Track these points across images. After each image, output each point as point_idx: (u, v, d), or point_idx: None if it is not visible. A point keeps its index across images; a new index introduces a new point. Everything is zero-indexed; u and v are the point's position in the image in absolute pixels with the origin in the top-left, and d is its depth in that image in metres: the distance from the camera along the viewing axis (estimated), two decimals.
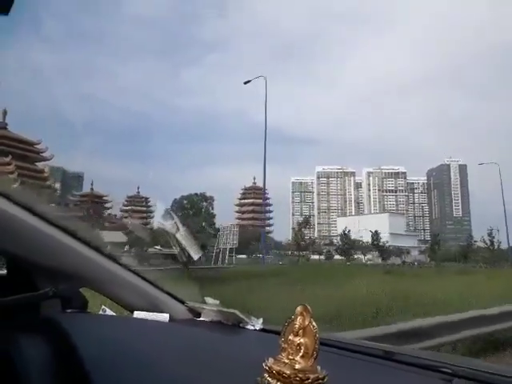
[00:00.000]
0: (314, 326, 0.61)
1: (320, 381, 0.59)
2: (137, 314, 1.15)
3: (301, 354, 0.60)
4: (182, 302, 1.29)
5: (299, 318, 0.63)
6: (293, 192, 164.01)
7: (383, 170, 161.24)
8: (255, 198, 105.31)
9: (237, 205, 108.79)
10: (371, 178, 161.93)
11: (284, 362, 0.61)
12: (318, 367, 0.61)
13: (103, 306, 1.17)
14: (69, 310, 1.01)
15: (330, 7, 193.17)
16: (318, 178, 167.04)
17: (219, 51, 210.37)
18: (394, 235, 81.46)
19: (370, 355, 0.95)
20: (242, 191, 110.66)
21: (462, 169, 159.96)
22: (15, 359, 0.73)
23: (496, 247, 49.29)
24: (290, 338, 0.63)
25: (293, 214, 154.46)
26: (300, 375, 0.58)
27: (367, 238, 65.14)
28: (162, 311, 1.20)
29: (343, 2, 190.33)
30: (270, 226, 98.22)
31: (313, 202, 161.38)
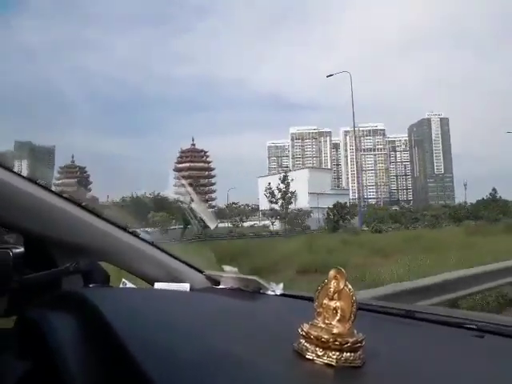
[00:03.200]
0: (349, 289, 0.61)
1: (359, 344, 0.59)
2: (157, 286, 1.18)
3: (337, 318, 0.60)
4: (201, 272, 1.33)
5: (333, 281, 0.63)
6: (269, 157, 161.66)
7: (361, 128, 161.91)
8: (192, 162, 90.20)
9: (174, 170, 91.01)
10: (348, 138, 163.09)
11: (321, 327, 0.61)
12: (355, 331, 0.60)
13: (123, 280, 1.19)
14: (91, 285, 1.06)
15: None
16: (293, 139, 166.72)
17: (211, 18, 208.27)
18: (315, 195, 69.36)
19: (399, 316, 0.97)
20: (179, 154, 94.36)
21: (444, 123, 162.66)
22: (44, 336, 0.74)
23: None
24: (325, 302, 0.62)
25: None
26: (339, 339, 0.58)
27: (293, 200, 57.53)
28: (181, 281, 1.22)
29: None
30: (212, 192, 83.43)
31: (288, 167, 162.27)
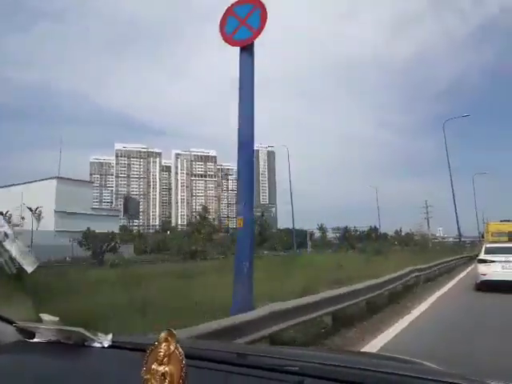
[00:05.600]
0: (179, 352, 0.60)
1: None
2: None
3: None
4: (10, 323, 1.16)
5: (164, 344, 0.61)
6: (91, 174, 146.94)
7: (193, 153, 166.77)
8: None
9: None
10: (179, 161, 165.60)
11: None
12: None
13: None
14: None
15: None
16: (117, 156, 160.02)
17: (56, 22, 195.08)
18: (64, 214, 56.52)
19: (227, 363, 0.96)
20: None
21: (271, 155, 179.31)
22: None
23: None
24: (154, 367, 0.60)
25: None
26: None
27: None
28: None
29: None
30: None
31: (112, 186, 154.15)
